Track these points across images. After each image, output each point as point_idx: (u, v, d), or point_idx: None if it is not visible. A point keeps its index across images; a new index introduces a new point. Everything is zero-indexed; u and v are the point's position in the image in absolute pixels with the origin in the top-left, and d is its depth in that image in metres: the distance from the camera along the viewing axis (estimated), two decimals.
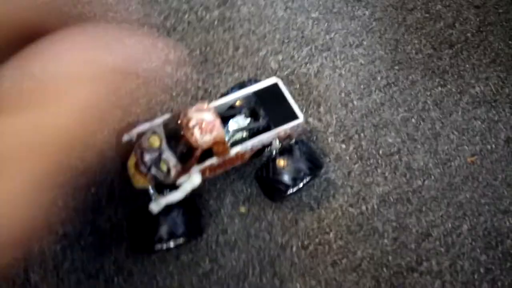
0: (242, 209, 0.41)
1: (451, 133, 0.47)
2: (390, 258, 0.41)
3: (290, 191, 0.38)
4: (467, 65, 0.50)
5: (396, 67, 0.49)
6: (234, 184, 0.42)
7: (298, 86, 0.47)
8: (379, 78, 0.49)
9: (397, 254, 0.41)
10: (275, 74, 0.47)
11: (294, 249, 0.41)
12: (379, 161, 0.45)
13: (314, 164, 0.39)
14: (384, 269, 0.41)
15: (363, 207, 0.43)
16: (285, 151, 0.38)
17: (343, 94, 0.47)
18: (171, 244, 0.35)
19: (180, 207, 0.35)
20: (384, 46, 0.50)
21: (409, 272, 0.41)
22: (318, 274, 0.40)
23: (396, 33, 0.51)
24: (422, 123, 0.47)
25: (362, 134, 0.46)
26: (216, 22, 0.50)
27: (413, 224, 0.43)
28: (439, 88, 0.49)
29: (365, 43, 0.50)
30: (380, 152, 0.45)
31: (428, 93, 0.48)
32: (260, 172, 0.39)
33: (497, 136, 0.47)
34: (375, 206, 0.43)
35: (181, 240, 0.35)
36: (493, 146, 0.47)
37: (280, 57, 0.49)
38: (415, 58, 0.50)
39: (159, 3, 0.50)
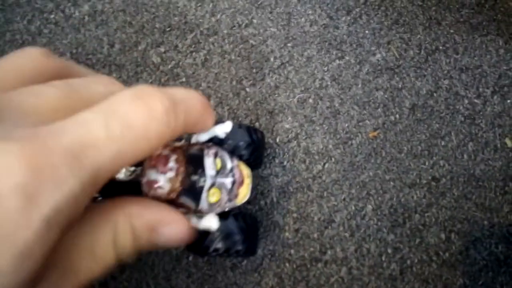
0: None
1: (351, 108, 0.44)
2: (292, 251, 0.39)
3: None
4: (367, 31, 0.47)
5: (290, 44, 0.46)
6: None
7: (184, 79, 0.44)
8: (272, 59, 0.45)
9: (299, 246, 0.40)
10: (158, 69, 0.44)
11: (190, 258, 0.39)
12: (277, 150, 0.42)
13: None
14: (287, 264, 0.39)
15: (262, 202, 0.41)
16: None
17: (234, 82, 0.44)
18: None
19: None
20: (276, 22, 0.46)
21: (313, 263, 0.39)
22: (218, 281, 0.38)
23: (288, 5, 0.47)
24: (320, 102, 0.44)
25: (257, 124, 0.43)
26: (86, 18, 0.45)
27: (315, 212, 0.41)
28: (337, 61, 0.46)
29: (255, 21, 0.46)
30: (277, 140, 0.43)
31: (325, 68, 0.45)
32: None
33: (401, 105, 0.45)
34: (274, 199, 0.41)
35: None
36: (397, 116, 0.44)
37: (162, 49, 0.44)
38: (310, 31, 0.46)
39: (20, 5, 0.45)
